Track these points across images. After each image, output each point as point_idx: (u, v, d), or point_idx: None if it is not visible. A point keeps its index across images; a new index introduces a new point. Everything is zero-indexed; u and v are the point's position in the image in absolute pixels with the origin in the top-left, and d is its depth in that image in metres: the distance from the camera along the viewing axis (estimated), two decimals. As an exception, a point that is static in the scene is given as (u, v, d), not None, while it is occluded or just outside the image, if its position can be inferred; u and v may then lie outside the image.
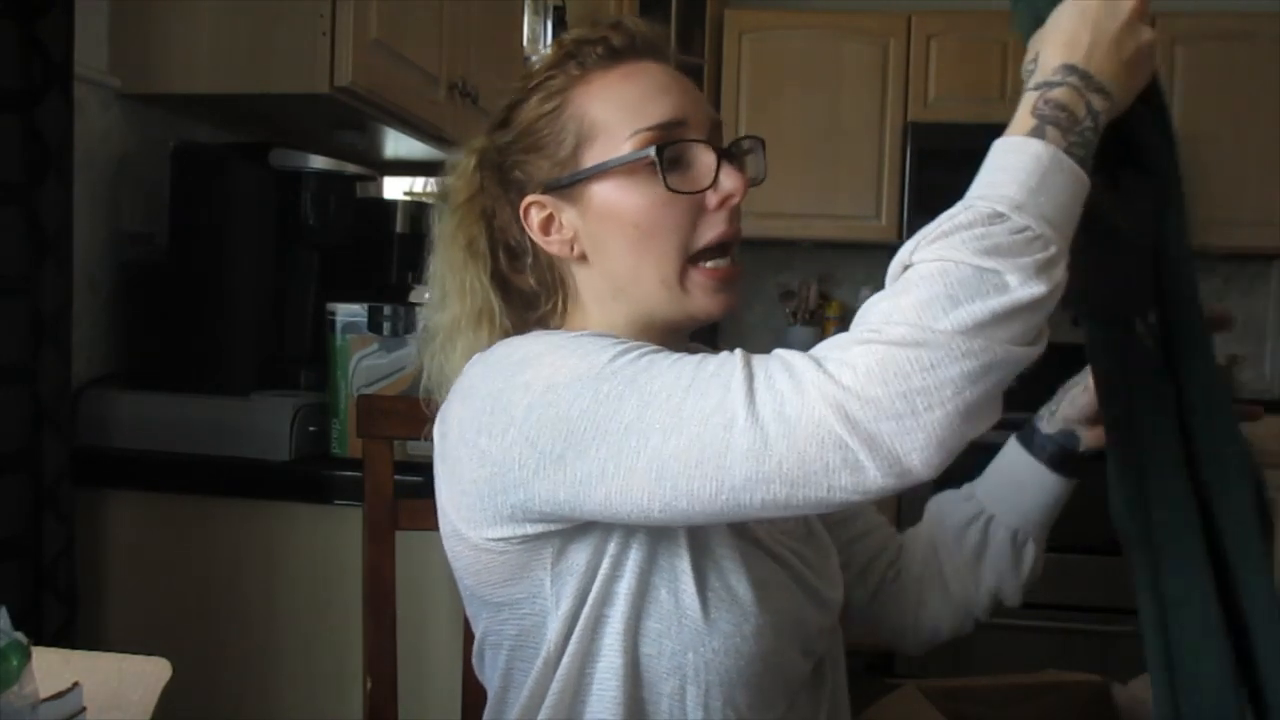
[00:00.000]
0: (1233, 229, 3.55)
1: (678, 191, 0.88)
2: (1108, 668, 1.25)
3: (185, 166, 1.57)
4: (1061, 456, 1.07)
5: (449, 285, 0.97)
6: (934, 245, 0.74)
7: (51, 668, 0.81)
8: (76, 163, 1.39)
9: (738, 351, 0.77)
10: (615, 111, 0.90)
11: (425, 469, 1.43)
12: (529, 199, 0.93)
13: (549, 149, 0.92)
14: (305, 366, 1.63)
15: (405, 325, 1.48)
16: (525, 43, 2.90)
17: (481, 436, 0.83)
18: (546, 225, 0.93)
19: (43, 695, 0.74)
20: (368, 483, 1.30)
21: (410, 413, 1.36)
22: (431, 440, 0.94)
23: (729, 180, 0.90)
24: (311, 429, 1.52)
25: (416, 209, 1.87)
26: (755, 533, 0.91)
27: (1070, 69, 0.78)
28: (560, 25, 3.28)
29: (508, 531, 0.85)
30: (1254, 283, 3.91)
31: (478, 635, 0.97)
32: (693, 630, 0.84)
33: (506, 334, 0.94)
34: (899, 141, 3.64)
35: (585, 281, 0.95)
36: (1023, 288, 0.71)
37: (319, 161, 1.62)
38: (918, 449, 0.69)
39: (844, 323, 4.02)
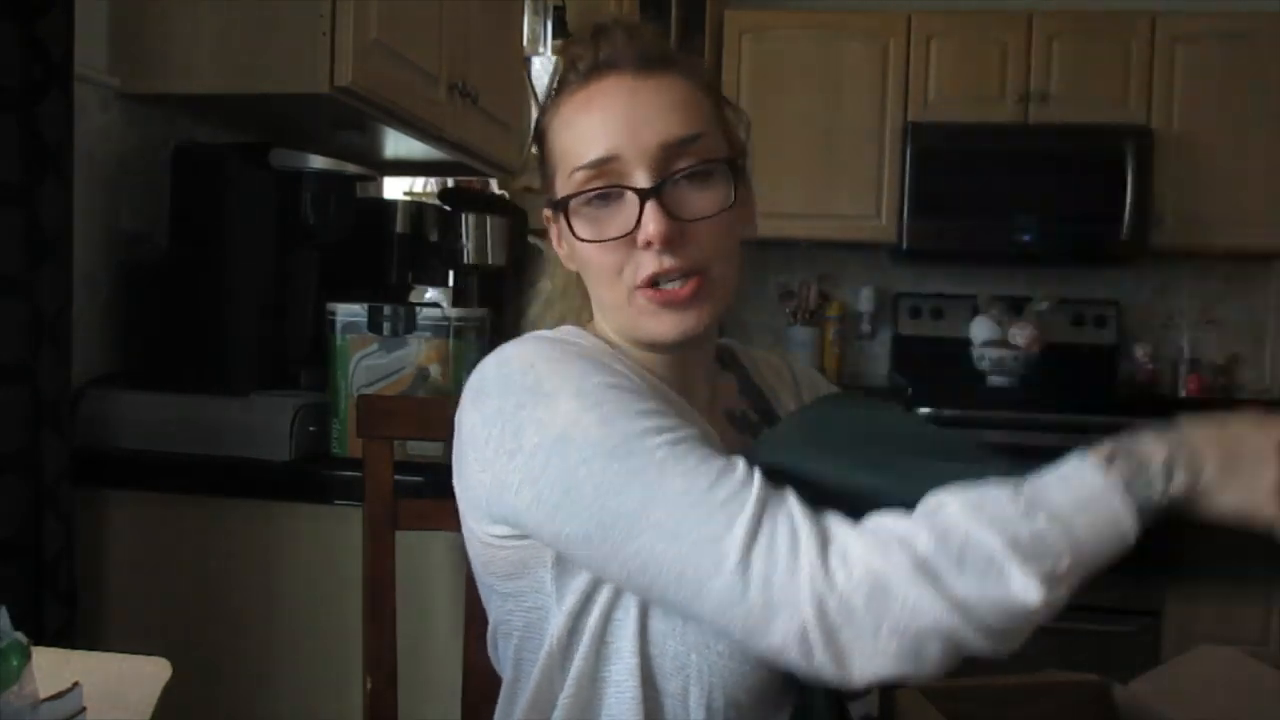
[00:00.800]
0: (1233, 229, 3.55)
1: (586, 240, 0.90)
2: (1108, 668, 1.24)
3: (185, 166, 1.56)
4: None
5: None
6: (976, 509, 0.78)
7: (51, 668, 0.81)
8: (76, 163, 1.39)
9: (755, 480, 0.80)
10: (568, 143, 0.92)
11: (425, 469, 1.44)
12: (545, 209, 0.98)
13: (546, 167, 0.97)
14: (305, 366, 1.63)
15: (405, 325, 1.47)
16: (525, 43, 2.90)
17: (488, 447, 0.85)
18: (556, 236, 0.97)
19: (43, 695, 0.74)
20: (368, 483, 1.30)
21: (410, 413, 1.36)
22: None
23: (650, 224, 0.87)
24: (311, 429, 1.52)
25: (416, 209, 1.87)
26: None
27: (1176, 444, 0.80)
28: (560, 25, 3.27)
29: (504, 531, 0.88)
30: (1254, 283, 3.91)
31: (490, 622, 0.99)
32: (697, 632, 0.85)
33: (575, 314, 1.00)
34: (899, 142, 3.64)
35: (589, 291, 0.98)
36: (1024, 592, 0.75)
37: (319, 161, 1.62)
38: (860, 664, 0.76)
39: (844, 323, 4.05)
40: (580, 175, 0.90)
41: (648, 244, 0.88)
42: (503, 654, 0.98)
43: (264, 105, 1.70)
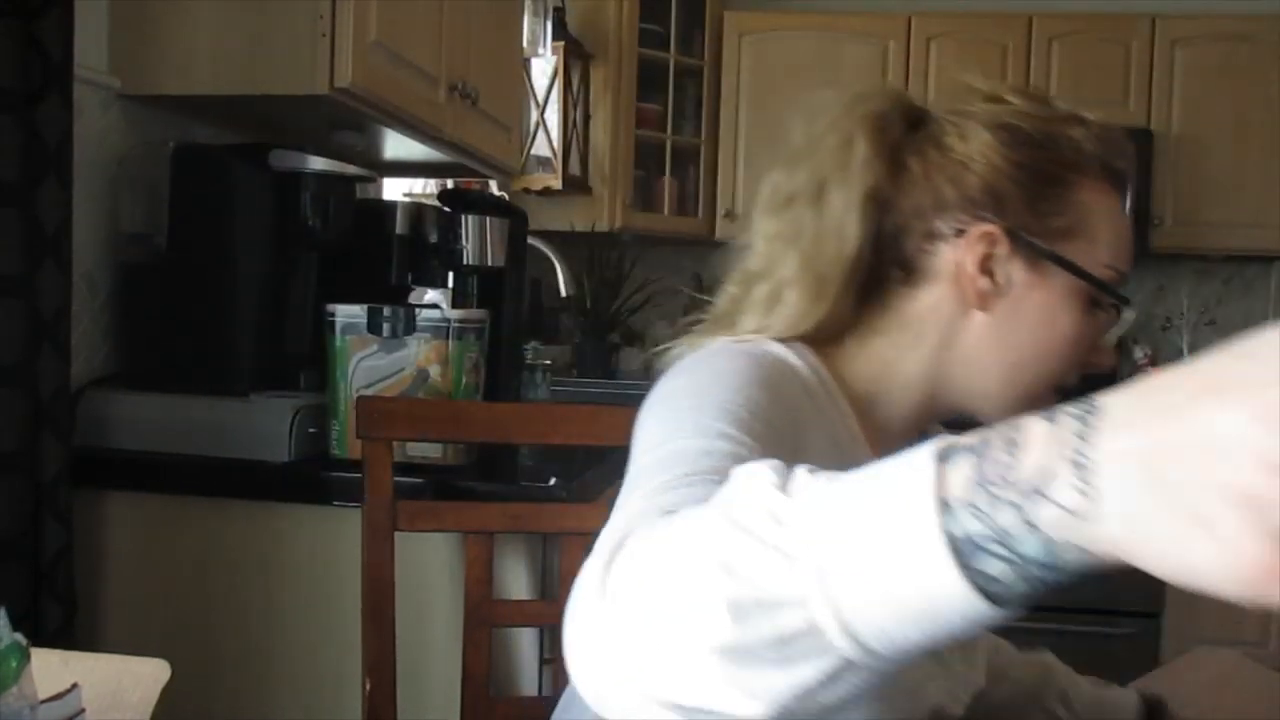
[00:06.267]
0: (1232, 231, 3.55)
1: (1089, 341, 0.86)
2: (1108, 668, 1.24)
3: (185, 167, 1.56)
4: None
5: (794, 228, 0.85)
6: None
7: (50, 669, 0.81)
8: (76, 163, 1.39)
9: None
10: (1108, 231, 0.86)
11: (425, 470, 1.44)
12: (989, 227, 0.82)
13: (1043, 202, 0.84)
14: (305, 367, 1.63)
15: (405, 326, 1.47)
16: (525, 43, 2.90)
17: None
18: (984, 262, 0.84)
19: (41, 696, 0.74)
20: (367, 484, 1.30)
21: (410, 414, 1.36)
22: None
23: (1109, 352, 0.88)
24: (311, 430, 1.52)
25: (416, 210, 1.87)
26: None
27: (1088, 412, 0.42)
28: (560, 26, 3.28)
29: None
30: (1253, 285, 3.91)
31: None
32: None
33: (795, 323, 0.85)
34: (899, 143, 3.64)
35: (944, 328, 0.86)
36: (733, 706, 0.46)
37: (318, 162, 1.62)
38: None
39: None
40: (1111, 273, 0.86)
41: (1097, 363, 0.87)
42: None
43: (264, 106, 1.70)
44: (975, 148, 0.84)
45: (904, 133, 0.86)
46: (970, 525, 0.41)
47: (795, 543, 0.45)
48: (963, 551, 0.41)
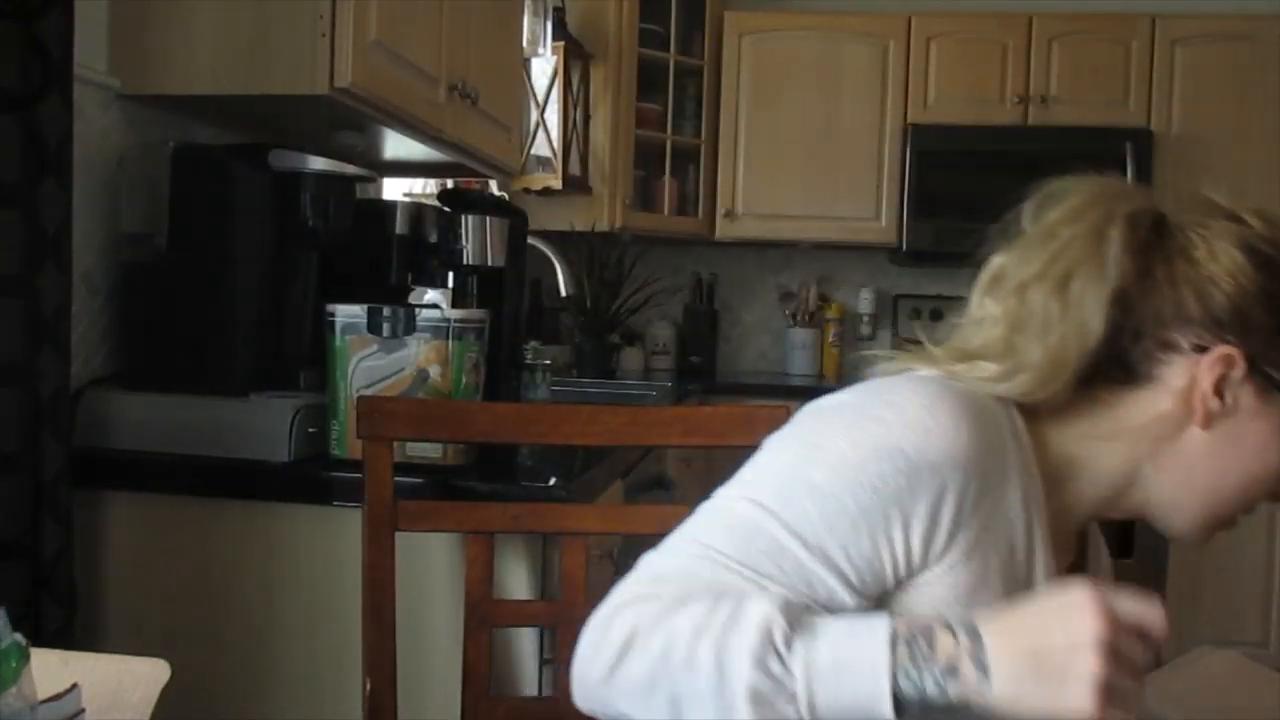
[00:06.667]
0: (1232, 231, 3.55)
1: None
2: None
3: (185, 167, 1.56)
4: None
5: (1039, 298, 0.85)
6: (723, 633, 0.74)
7: (50, 669, 0.81)
8: (76, 163, 1.39)
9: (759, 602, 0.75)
10: None
11: (425, 470, 1.44)
12: (1231, 350, 0.83)
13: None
14: (305, 367, 1.63)
15: (405, 327, 1.47)
16: (525, 43, 2.90)
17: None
18: (1219, 383, 0.83)
19: (41, 697, 0.74)
20: (368, 484, 1.30)
21: (410, 414, 1.36)
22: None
23: None
24: (311, 430, 1.52)
25: (416, 210, 1.87)
26: None
27: (974, 631, 0.72)
28: (560, 26, 3.28)
29: None
30: (1253, 284, 3.91)
31: None
32: None
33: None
34: (899, 143, 3.64)
35: (1157, 437, 0.86)
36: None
37: (318, 162, 1.62)
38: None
39: (843, 325, 4.05)
40: None
41: None
42: None
43: (264, 106, 1.70)
44: (1225, 267, 0.83)
45: (1150, 235, 0.85)
46: (904, 683, 0.70)
47: (797, 680, 0.71)
48: (899, 695, 0.70)
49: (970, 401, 0.83)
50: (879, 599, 0.80)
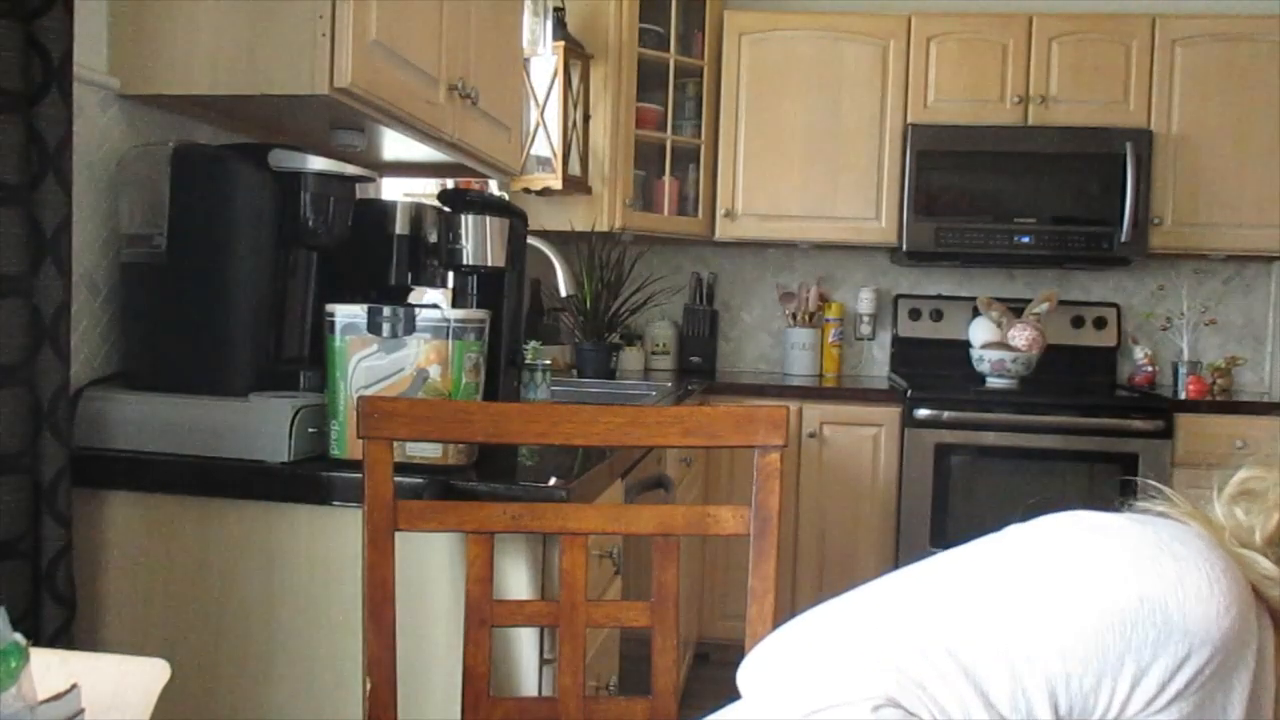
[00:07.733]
0: (1232, 230, 3.56)
1: None
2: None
3: (185, 167, 1.56)
4: None
5: None
6: None
7: (50, 669, 0.81)
8: (76, 163, 1.39)
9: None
10: None
11: (425, 470, 1.44)
12: None
13: None
14: (304, 368, 1.63)
15: (405, 327, 1.47)
16: (525, 43, 2.90)
17: None
18: None
19: (41, 697, 0.74)
20: (367, 484, 1.31)
21: (410, 414, 1.36)
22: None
23: None
24: (311, 430, 1.52)
25: (416, 210, 1.87)
26: None
27: None
28: (560, 26, 3.28)
29: None
30: (1253, 285, 3.91)
31: None
32: None
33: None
34: (899, 143, 3.65)
35: None
36: None
37: (318, 162, 1.62)
38: None
39: (844, 324, 4.05)
40: None
41: None
42: None
43: (264, 106, 1.70)
44: None
45: None
46: None
47: None
48: None
49: (1248, 593, 0.83)
50: None
